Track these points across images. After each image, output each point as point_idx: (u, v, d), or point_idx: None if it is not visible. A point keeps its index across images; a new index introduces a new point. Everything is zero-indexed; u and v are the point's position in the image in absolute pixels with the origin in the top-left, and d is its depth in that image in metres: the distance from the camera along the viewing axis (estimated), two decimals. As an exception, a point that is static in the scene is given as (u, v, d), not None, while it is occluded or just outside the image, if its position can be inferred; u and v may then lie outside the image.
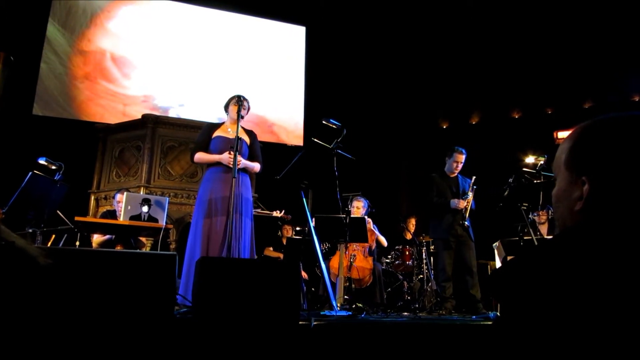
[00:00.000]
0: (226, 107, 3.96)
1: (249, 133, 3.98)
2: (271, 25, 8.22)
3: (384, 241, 5.57)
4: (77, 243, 4.53)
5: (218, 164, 3.71)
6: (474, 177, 4.89)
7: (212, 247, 3.53)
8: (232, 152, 3.55)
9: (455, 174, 4.92)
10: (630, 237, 0.71)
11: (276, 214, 5.39)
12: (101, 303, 2.11)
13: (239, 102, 3.73)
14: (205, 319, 2.28)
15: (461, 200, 4.71)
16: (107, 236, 4.64)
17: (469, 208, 4.76)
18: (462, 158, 4.87)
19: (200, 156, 3.79)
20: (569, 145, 0.85)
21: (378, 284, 5.12)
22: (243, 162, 3.69)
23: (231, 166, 3.54)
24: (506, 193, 4.44)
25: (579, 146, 0.84)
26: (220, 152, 3.72)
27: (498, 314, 4.11)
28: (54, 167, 4.09)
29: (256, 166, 3.89)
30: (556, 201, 0.88)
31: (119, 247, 4.39)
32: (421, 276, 5.90)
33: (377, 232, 5.49)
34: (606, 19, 7.35)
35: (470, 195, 4.78)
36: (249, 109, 3.91)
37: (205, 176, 3.82)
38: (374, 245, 5.40)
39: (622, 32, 7.36)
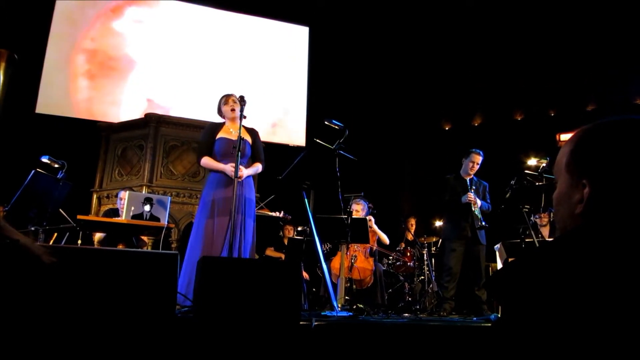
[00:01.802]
0: (219, 111, 3.97)
1: (251, 131, 3.94)
2: (274, 26, 8.22)
3: (385, 238, 5.55)
4: (79, 241, 4.53)
5: None
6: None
7: (213, 247, 3.53)
8: (233, 165, 3.52)
9: (471, 176, 4.91)
10: (630, 240, 0.72)
11: (276, 214, 5.39)
12: (103, 302, 2.12)
13: (241, 103, 3.65)
14: (207, 318, 2.28)
15: (469, 193, 4.71)
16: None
17: (477, 208, 4.74)
18: (479, 159, 4.88)
19: (206, 162, 3.78)
20: (570, 148, 0.86)
21: (379, 285, 5.12)
22: (245, 172, 3.68)
23: (234, 178, 3.53)
24: (508, 195, 4.44)
25: (579, 149, 0.84)
26: (224, 154, 3.73)
27: (499, 315, 4.10)
28: (56, 166, 4.10)
29: (258, 168, 3.90)
30: (557, 204, 0.89)
31: (120, 246, 4.40)
32: (422, 277, 5.90)
33: (376, 229, 5.47)
34: (609, 22, 7.34)
35: (471, 193, 4.75)
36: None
37: (209, 179, 3.82)
38: (375, 246, 5.40)
39: (625, 34, 7.35)
